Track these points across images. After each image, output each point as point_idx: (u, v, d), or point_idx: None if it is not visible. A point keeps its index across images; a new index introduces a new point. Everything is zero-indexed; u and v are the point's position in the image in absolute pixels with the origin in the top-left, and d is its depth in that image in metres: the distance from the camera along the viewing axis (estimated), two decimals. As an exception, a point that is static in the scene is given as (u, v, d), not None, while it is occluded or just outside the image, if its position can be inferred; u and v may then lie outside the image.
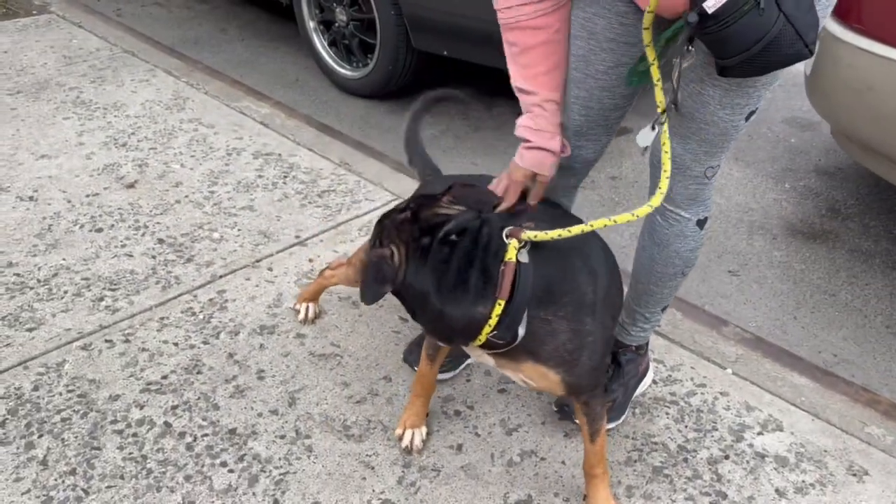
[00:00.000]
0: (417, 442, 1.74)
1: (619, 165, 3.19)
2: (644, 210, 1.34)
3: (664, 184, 1.35)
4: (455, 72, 3.82)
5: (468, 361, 1.99)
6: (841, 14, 2.35)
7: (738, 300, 2.49)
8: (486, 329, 1.33)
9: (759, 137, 3.49)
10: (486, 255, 1.34)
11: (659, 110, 1.41)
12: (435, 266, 1.33)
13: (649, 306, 1.81)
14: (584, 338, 1.39)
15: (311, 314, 2.11)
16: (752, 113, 1.49)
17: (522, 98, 1.57)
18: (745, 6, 1.20)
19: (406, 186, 2.72)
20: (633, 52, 1.51)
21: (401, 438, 1.76)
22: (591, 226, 1.35)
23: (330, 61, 3.72)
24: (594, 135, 1.65)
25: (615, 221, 1.35)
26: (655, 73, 1.38)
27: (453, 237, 1.35)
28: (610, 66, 1.53)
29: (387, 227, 1.42)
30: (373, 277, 1.34)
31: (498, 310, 1.32)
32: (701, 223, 1.67)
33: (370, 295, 1.34)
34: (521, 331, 1.34)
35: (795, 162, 3.31)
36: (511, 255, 1.33)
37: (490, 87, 3.81)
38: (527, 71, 1.53)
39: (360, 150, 3.08)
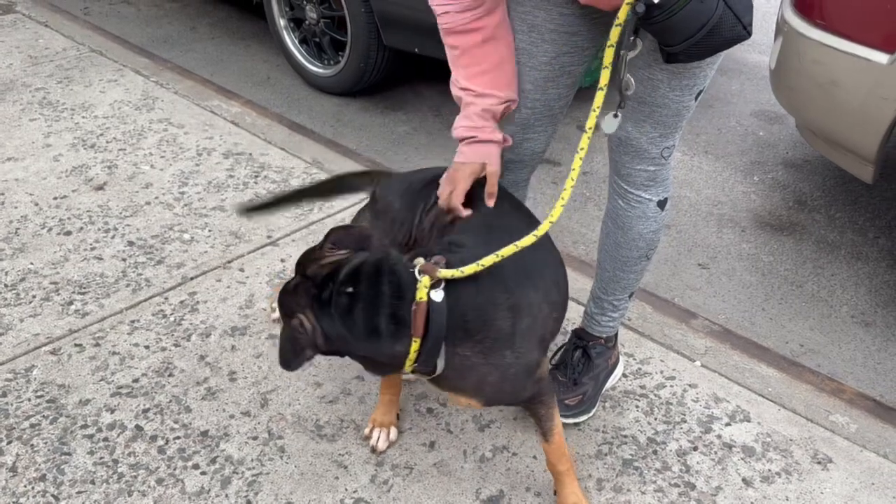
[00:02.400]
0: (383, 441, 1.76)
1: (589, 160, 3.22)
2: (544, 227, 1.39)
3: (566, 193, 1.40)
4: (426, 69, 3.82)
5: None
6: (804, 10, 2.39)
7: (708, 293, 2.53)
8: (409, 362, 1.35)
9: (728, 131, 3.53)
10: (394, 296, 1.32)
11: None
12: (343, 315, 1.32)
13: (616, 293, 1.83)
14: (504, 370, 1.39)
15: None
16: (700, 92, 1.56)
17: (466, 97, 1.56)
18: None
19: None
20: (573, 42, 1.55)
21: (368, 437, 1.77)
22: (499, 255, 1.35)
23: (301, 59, 3.70)
24: (541, 126, 1.67)
25: (535, 235, 1.38)
26: (609, 56, 1.39)
27: (349, 288, 1.33)
28: (552, 56, 1.56)
29: (286, 302, 1.39)
30: (291, 351, 1.37)
31: (415, 346, 1.32)
32: (661, 204, 1.72)
33: (294, 366, 1.38)
34: (441, 363, 1.36)
35: (764, 155, 3.35)
36: (422, 294, 1.31)
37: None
38: (469, 70, 1.54)
39: (333, 148, 3.08)
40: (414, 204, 1.61)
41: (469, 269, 1.34)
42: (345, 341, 1.34)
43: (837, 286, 2.57)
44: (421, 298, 1.31)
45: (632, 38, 1.38)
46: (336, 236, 1.41)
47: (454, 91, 1.59)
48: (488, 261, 1.35)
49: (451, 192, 1.54)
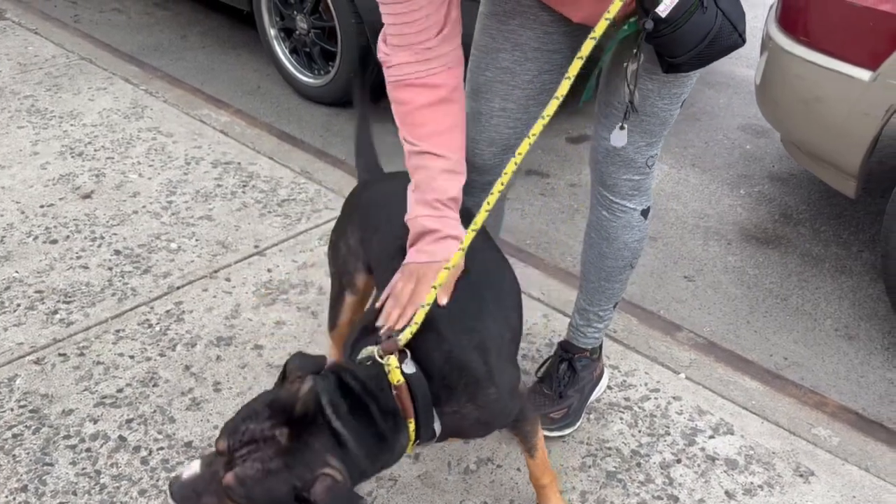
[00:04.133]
0: None
1: (578, 172, 3.23)
2: (458, 257, 1.29)
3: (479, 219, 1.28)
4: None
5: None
6: (788, 26, 2.41)
7: (693, 305, 2.54)
8: (411, 445, 1.30)
9: (715, 144, 3.56)
10: (374, 395, 1.22)
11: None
12: (354, 443, 1.17)
13: (601, 303, 1.84)
14: (492, 406, 1.34)
15: None
16: (684, 101, 1.60)
17: (419, 159, 1.39)
18: (691, 7, 1.28)
19: (366, 195, 2.73)
20: (554, 60, 1.57)
21: None
22: (436, 285, 1.25)
23: (291, 69, 3.71)
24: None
25: (449, 267, 1.28)
26: (575, 67, 1.31)
27: (332, 414, 1.17)
28: (535, 74, 1.58)
29: (297, 462, 1.12)
30: None
31: (412, 426, 1.26)
32: (645, 213, 1.74)
33: None
34: (438, 427, 1.31)
35: (750, 168, 3.38)
36: (396, 376, 1.22)
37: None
38: (419, 130, 1.38)
39: (321, 158, 3.09)
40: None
41: (420, 316, 1.25)
42: (369, 462, 1.21)
43: (821, 299, 2.59)
44: (399, 381, 1.23)
45: (634, 51, 1.42)
46: (294, 364, 1.21)
47: (405, 147, 1.41)
48: (430, 297, 1.25)
49: (413, 290, 1.33)
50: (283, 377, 1.20)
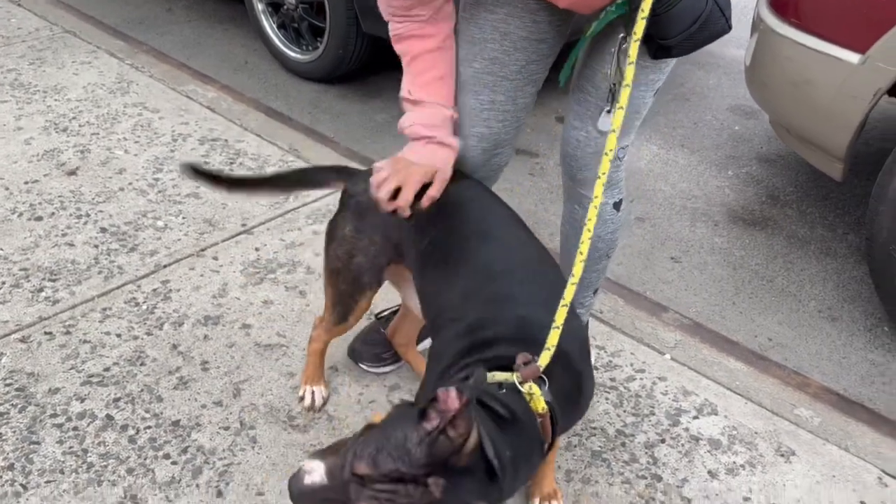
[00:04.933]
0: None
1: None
2: (570, 290, 1.30)
3: (599, 189, 1.33)
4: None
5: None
6: (779, 8, 2.41)
7: (680, 286, 2.56)
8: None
9: (703, 125, 3.56)
10: (526, 429, 1.18)
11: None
12: (509, 480, 1.13)
13: (581, 292, 1.85)
14: (582, 414, 1.41)
15: (318, 400, 1.84)
16: (658, 89, 1.59)
17: (411, 108, 1.55)
18: None
19: (354, 174, 2.71)
20: (540, 49, 1.55)
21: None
22: (558, 327, 1.24)
23: (279, 44, 3.68)
24: (510, 137, 1.67)
25: (581, 260, 1.31)
26: (630, 73, 1.35)
27: (494, 458, 1.09)
28: (523, 64, 1.56)
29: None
30: None
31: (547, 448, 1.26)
32: (617, 205, 1.73)
33: None
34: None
35: (738, 149, 3.39)
36: (539, 405, 1.19)
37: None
38: (419, 78, 1.53)
39: (310, 135, 3.07)
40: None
41: (552, 339, 1.23)
42: (509, 493, 1.16)
43: (806, 281, 2.61)
44: (543, 409, 1.20)
45: (622, 34, 1.41)
46: (465, 416, 1.03)
47: (405, 105, 1.56)
48: (560, 317, 1.24)
49: (398, 190, 1.47)
50: (433, 402, 1.03)
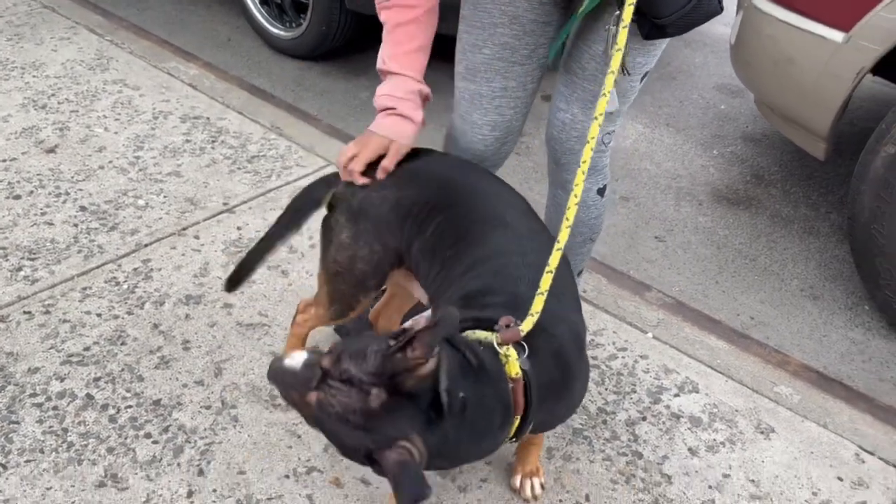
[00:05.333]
0: None
1: (552, 131, 3.22)
2: (556, 256, 1.28)
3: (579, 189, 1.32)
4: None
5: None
6: (764, -15, 2.39)
7: (663, 265, 2.56)
8: (507, 439, 1.26)
9: (689, 104, 3.56)
10: (491, 384, 1.17)
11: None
12: (457, 427, 1.12)
13: None
14: (576, 401, 1.38)
15: None
16: (646, 74, 1.57)
17: (384, 79, 1.55)
18: None
19: (338, 152, 2.69)
20: (546, 32, 1.53)
21: None
22: (550, 270, 1.25)
23: (262, 20, 3.63)
24: (518, 126, 1.67)
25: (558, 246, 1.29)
26: (623, 38, 1.34)
27: (460, 394, 1.12)
28: (532, 48, 1.55)
29: (377, 428, 1.07)
30: (410, 494, 1.03)
31: (516, 424, 1.23)
32: (601, 191, 1.72)
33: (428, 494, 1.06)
34: (530, 426, 1.27)
35: (724, 128, 3.39)
36: (514, 369, 1.19)
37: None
38: (396, 48, 1.51)
39: (292, 113, 3.04)
40: (397, 203, 1.50)
41: (527, 325, 1.21)
42: (456, 450, 1.17)
43: (789, 260, 2.63)
44: (516, 374, 1.18)
45: (617, 12, 1.39)
46: (425, 339, 1.06)
47: (381, 75, 1.56)
48: (538, 304, 1.22)
49: (354, 157, 1.51)
50: (408, 340, 1.06)
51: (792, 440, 1.83)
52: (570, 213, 1.29)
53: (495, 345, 1.20)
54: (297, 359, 1.13)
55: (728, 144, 3.27)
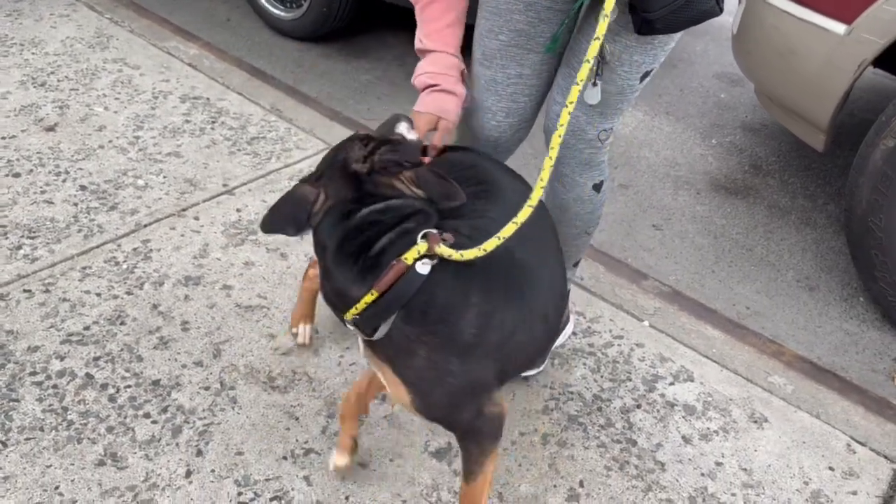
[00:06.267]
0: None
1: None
2: (525, 212, 1.27)
3: (545, 174, 1.31)
4: (391, 17, 3.76)
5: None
6: (768, -25, 2.39)
7: (661, 254, 2.58)
8: (353, 310, 1.24)
9: (690, 92, 3.56)
10: (391, 246, 1.23)
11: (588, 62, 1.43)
12: (345, 232, 1.24)
13: None
14: (441, 376, 1.26)
15: (307, 336, 1.92)
16: (647, 73, 1.54)
17: (423, 58, 1.55)
18: None
19: (338, 135, 2.69)
20: (560, 19, 1.53)
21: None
22: (500, 238, 1.24)
23: (263, 1, 3.60)
24: (532, 114, 1.68)
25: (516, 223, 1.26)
26: (603, 28, 1.33)
27: (373, 218, 1.24)
28: (547, 36, 1.54)
29: (335, 169, 1.29)
30: (282, 214, 1.27)
31: (369, 299, 1.21)
32: (597, 187, 1.72)
33: (269, 227, 1.28)
34: (383, 330, 1.25)
35: (723, 118, 3.39)
36: (408, 257, 1.20)
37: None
38: (430, 26, 1.52)
39: (292, 95, 3.03)
40: None
41: (469, 254, 1.22)
42: (324, 249, 1.26)
43: (785, 251, 2.64)
44: (405, 259, 1.20)
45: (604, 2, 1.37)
46: (423, 175, 1.28)
47: (419, 54, 1.57)
48: (490, 245, 1.23)
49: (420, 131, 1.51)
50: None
51: (785, 430, 1.85)
52: (562, 131, 1.31)
53: (419, 235, 1.21)
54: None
55: (727, 134, 3.27)
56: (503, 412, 1.36)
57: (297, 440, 1.69)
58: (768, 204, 2.86)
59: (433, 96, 1.53)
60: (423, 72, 1.54)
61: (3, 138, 2.55)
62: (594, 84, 1.49)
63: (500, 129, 1.66)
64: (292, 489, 1.59)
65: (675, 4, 1.33)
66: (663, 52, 1.53)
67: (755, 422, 1.87)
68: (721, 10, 1.38)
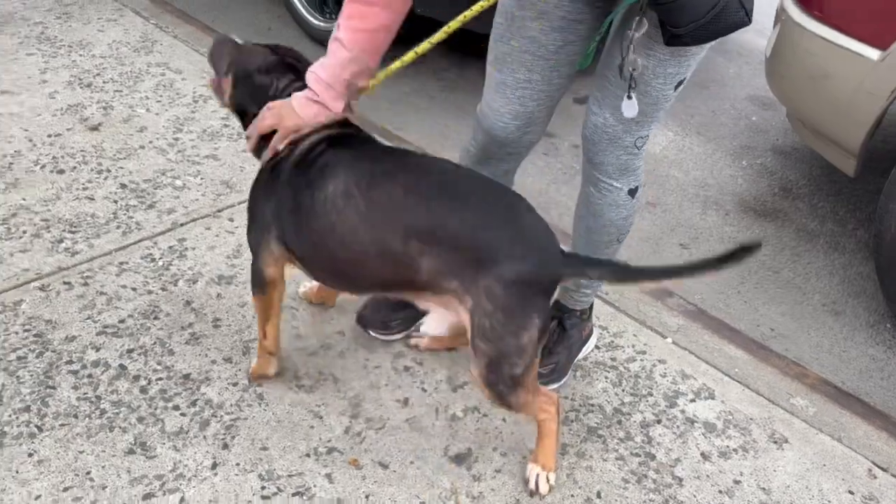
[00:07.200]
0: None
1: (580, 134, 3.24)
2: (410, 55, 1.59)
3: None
4: (429, 30, 3.81)
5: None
6: (802, 0, 2.40)
7: (686, 272, 2.58)
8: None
9: (721, 113, 3.56)
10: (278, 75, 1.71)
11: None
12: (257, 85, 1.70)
13: None
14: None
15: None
16: (680, 83, 1.58)
17: (331, 51, 1.57)
18: None
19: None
20: (578, 30, 1.56)
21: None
22: (416, 52, 1.59)
23: (303, 11, 3.69)
24: (542, 117, 1.71)
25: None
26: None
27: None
28: (560, 45, 1.57)
29: (244, 56, 1.77)
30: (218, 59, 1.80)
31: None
32: (632, 192, 1.75)
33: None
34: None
35: (754, 140, 3.39)
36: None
37: (463, 49, 3.81)
38: (349, 22, 1.55)
39: (328, 104, 3.08)
40: None
41: (390, 69, 1.61)
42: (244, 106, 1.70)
43: (812, 274, 2.64)
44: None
45: (637, 17, 1.41)
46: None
47: (330, 43, 1.60)
48: (408, 56, 1.69)
49: (268, 127, 1.62)
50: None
51: (805, 452, 1.85)
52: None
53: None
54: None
55: (758, 156, 3.28)
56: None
57: (320, 438, 1.73)
58: (797, 227, 2.85)
59: (312, 107, 1.59)
60: (318, 71, 1.58)
61: (50, 136, 2.64)
62: (629, 97, 1.53)
63: (508, 131, 1.70)
64: (314, 486, 1.63)
65: (702, 20, 1.35)
66: (695, 60, 1.56)
67: (775, 442, 1.87)
68: (750, 21, 1.40)
